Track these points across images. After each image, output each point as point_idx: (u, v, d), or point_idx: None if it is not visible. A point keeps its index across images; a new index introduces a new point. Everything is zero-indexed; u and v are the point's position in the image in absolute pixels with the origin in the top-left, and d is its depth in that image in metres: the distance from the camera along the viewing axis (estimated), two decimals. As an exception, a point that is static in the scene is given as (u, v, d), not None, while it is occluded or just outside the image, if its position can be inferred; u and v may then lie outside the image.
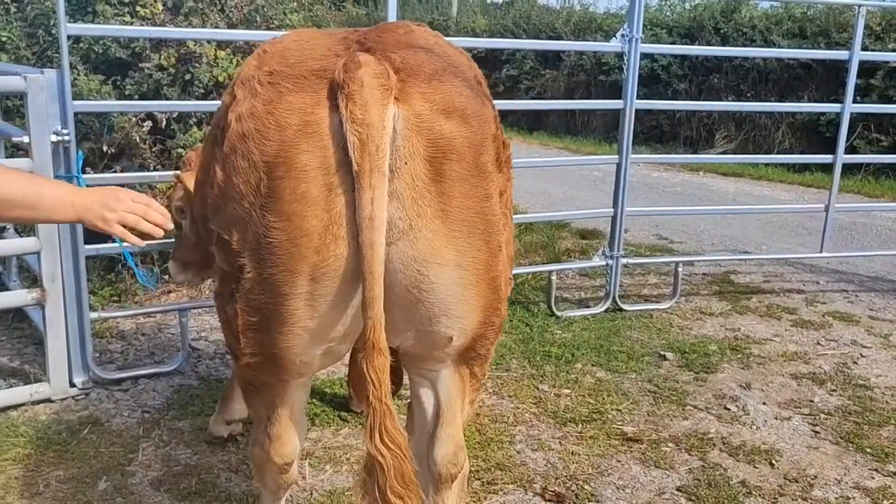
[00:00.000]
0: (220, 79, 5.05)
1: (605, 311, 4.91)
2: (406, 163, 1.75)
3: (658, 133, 13.14)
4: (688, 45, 12.15)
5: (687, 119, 12.76)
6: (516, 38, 14.83)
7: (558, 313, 4.81)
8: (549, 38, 14.29)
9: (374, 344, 1.74)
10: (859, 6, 4.97)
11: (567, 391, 3.82)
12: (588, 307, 5.01)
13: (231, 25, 5.37)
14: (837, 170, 5.29)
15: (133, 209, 1.94)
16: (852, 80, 5.07)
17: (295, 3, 6.10)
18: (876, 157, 8.68)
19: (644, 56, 12.41)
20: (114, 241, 3.79)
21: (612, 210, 4.87)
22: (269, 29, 5.50)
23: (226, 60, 5.11)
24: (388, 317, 1.80)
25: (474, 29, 16.60)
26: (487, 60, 16.33)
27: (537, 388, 3.84)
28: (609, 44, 4.66)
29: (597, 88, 13.98)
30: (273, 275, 1.80)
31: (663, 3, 14.50)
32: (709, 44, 12.21)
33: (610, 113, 12.47)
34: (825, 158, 5.68)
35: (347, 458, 3.17)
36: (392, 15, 4.12)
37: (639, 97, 4.74)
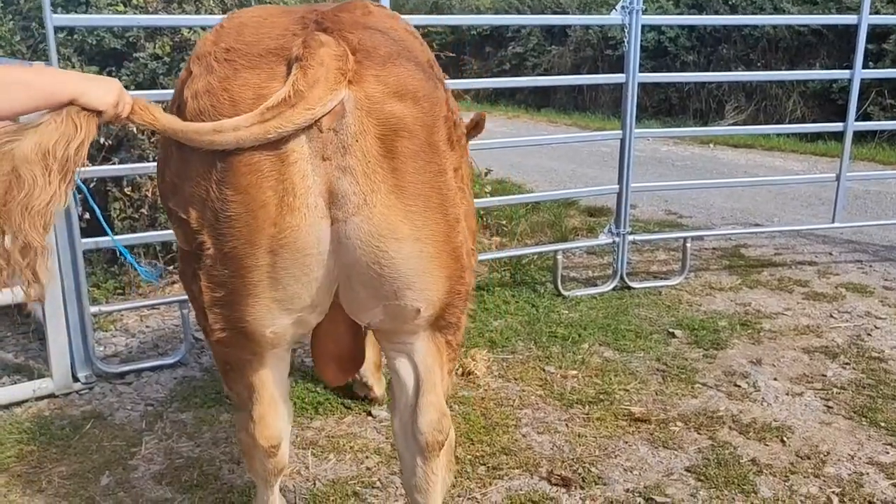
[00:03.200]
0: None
1: (613, 289, 4.84)
2: (357, 140, 1.78)
3: (667, 106, 12.98)
4: (696, 15, 11.93)
5: (696, 91, 12.58)
6: (520, 14, 14.63)
7: (565, 293, 4.75)
8: (555, 13, 14.10)
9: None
10: (868, -32, 4.84)
11: (574, 372, 3.77)
12: (596, 286, 4.94)
13: (226, 11, 5.31)
14: (848, 138, 5.17)
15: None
16: (861, 45, 4.93)
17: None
18: (888, 123, 8.49)
19: (651, 28, 12.34)
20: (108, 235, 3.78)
21: (616, 186, 4.78)
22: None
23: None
24: (355, 295, 1.92)
25: (479, 6, 16.43)
26: (493, 38, 16.22)
27: (543, 370, 3.79)
28: (609, 16, 4.55)
29: (603, 63, 13.83)
30: (234, 249, 1.81)
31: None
32: (717, 13, 11.99)
33: (618, 87, 12.34)
34: (836, 127, 5.54)
35: (351, 447, 3.14)
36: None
37: (647, 70, 4.64)
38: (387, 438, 3.19)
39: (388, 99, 1.81)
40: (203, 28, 5.00)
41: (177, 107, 1.93)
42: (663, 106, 12.96)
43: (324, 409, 3.42)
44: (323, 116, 1.74)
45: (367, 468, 3.01)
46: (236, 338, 1.98)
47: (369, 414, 3.39)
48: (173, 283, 4.87)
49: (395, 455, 3.06)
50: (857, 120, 10.03)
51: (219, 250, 1.84)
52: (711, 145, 10.43)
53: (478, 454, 3.08)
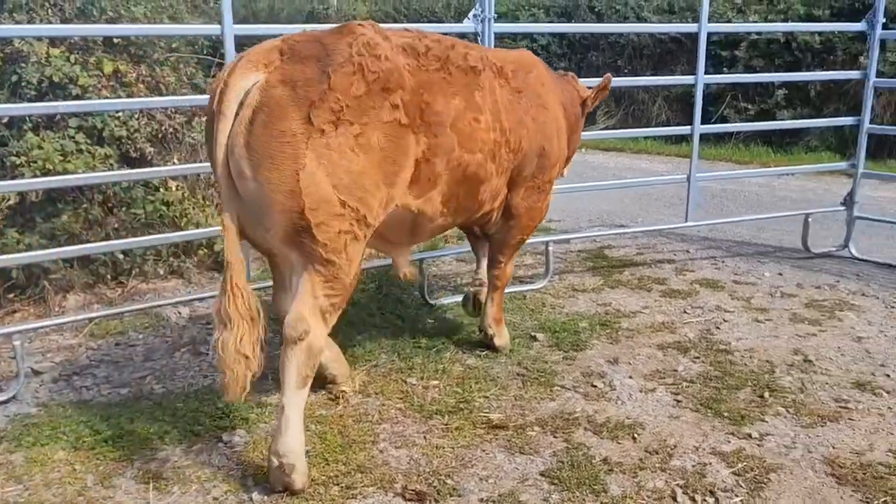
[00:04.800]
0: (56, 79, 4.70)
1: (480, 295, 4.86)
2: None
3: (542, 113, 13.26)
4: (551, 24, 12.37)
5: (568, 97, 12.93)
6: (396, 24, 14.64)
7: (432, 302, 4.73)
8: (430, 23, 14.19)
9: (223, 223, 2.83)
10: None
11: (435, 382, 3.74)
12: (464, 293, 4.94)
13: (65, 21, 5.01)
14: (696, 140, 5.42)
15: None
16: (702, 52, 5.19)
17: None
18: (731, 125, 8.99)
19: (525, 36, 12.59)
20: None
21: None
22: (109, 22, 5.17)
23: (60, 59, 4.75)
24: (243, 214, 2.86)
25: (355, 16, 16.32)
26: (371, 47, 16.09)
27: (405, 382, 3.74)
28: (462, 24, 4.57)
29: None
30: None
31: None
32: (584, 21, 12.41)
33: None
34: (684, 130, 5.79)
35: (198, 477, 2.98)
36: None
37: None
38: (237, 465, 3.06)
39: (274, 83, 2.77)
40: (38, 39, 4.70)
41: None
42: (538, 112, 13.25)
43: (170, 437, 3.24)
44: None
45: (214, 498, 2.87)
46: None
47: (220, 440, 3.24)
48: (14, 311, 4.54)
49: (245, 482, 2.94)
50: (715, 122, 10.59)
51: None
52: (584, 149, 10.74)
53: (332, 474, 2.99)
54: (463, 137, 3.26)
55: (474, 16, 4.50)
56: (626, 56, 12.50)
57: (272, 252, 3.09)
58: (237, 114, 2.74)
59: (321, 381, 3.61)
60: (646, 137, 11.03)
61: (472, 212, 3.62)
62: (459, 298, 4.82)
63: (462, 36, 4.05)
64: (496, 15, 4.53)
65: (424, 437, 3.27)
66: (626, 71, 12.34)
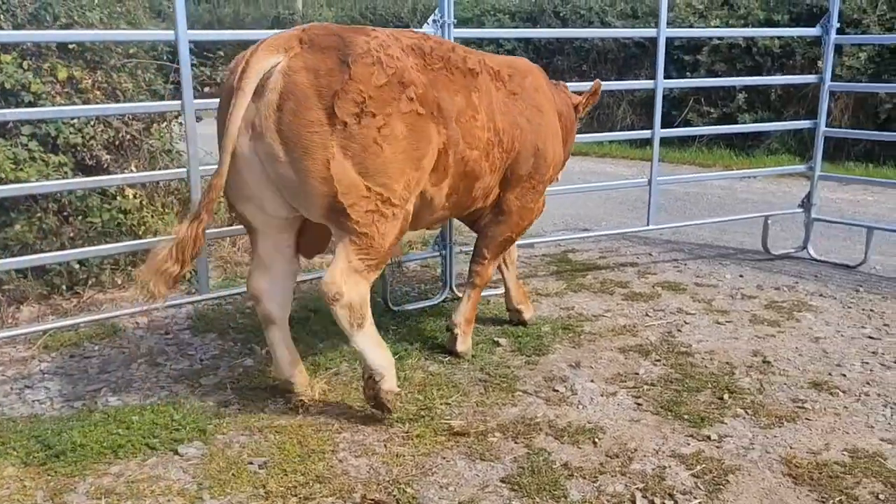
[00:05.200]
0: (7, 86, 4.59)
1: (443, 301, 4.85)
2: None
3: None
4: (509, 29, 12.44)
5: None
6: (363, 28, 14.61)
7: (394, 308, 4.70)
8: (397, 27, 14.18)
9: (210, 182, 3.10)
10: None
11: (396, 389, 3.70)
12: (428, 299, 4.93)
13: (18, 27, 4.90)
14: (656, 144, 5.46)
15: None
16: (661, 56, 5.25)
17: (96, 0, 5.64)
18: (691, 129, 9.06)
19: (491, 41, 12.62)
20: None
21: (440, 199, 4.79)
22: (64, 27, 5.07)
23: (12, 65, 4.65)
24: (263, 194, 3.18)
25: (321, 21, 16.24)
26: (337, 53, 16.04)
27: (366, 390, 3.71)
28: (422, 30, 4.55)
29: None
30: None
31: (506, -12, 14.67)
32: (549, 27, 12.48)
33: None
34: (644, 134, 5.84)
35: (152, 491, 2.92)
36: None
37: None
38: (193, 477, 3.00)
39: (298, 69, 3.01)
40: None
41: None
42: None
43: (125, 451, 3.17)
44: None
45: (168, 513, 2.81)
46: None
47: (176, 452, 3.18)
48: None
49: (200, 495, 2.88)
50: (678, 125, 10.69)
51: None
52: (549, 154, 10.78)
53: (290, 485, 2.95)
54: (465, 133, 3.46)
55: (434, 21, 4.49)
56: (591, 61, 12.60)
57: (254, 229, 3.36)
58: (261, 96, 2.95)
59: (283, 389, 3.61)
60: (610, 141, 11.11)
61: (466, 207, 3.81)
62: (423, 305, 4.80)
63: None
64: (455, 20, 4.53)
65: (385, 446, 3.24)
66: (591, 75, 12.40)
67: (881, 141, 9.84)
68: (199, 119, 5.63)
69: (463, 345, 4.08)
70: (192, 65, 5.47)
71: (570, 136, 4.38)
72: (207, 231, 4.30)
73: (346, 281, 3.13)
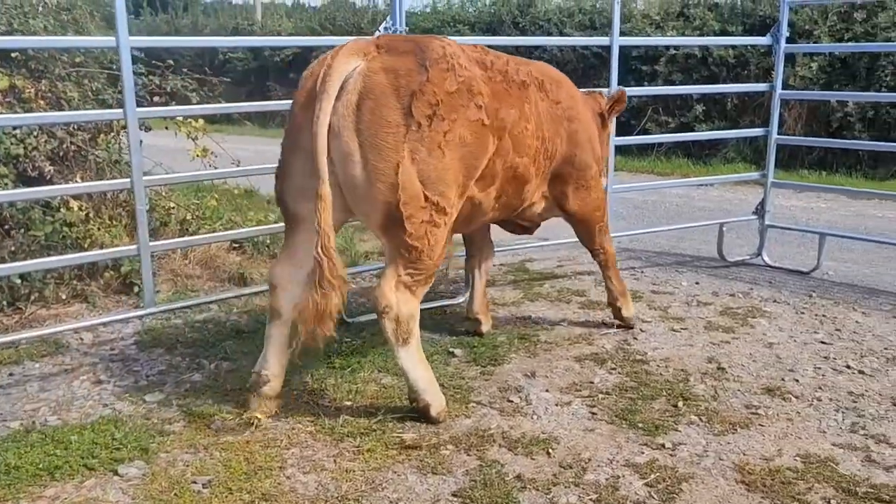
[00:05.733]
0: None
1: (399, 312, 4.77)
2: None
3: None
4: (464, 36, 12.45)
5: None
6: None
7: (349, 320, 4.62)
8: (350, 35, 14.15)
9: (318, 193, 3.07)
10: (616, -4, 5.24)
11: (348, 403, 3.63)
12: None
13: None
14: (612, 152, 5.46)
15: None
16: (615, 64, 5.28)
17: (40, 8, 5.50)
18: (647, 137, 9.15)
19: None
20: None
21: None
22: (5, 34, 4.92)
23: (-52, 75, 4.50)
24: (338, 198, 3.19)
25: (280, 32, 16.15)
26: (297, 64, 15.94)
27: (316, 405, 3.62)
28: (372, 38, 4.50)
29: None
30: None
31: (466, 0, 14.75)
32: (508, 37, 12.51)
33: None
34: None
35: (89, 514, 2.80)
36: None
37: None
38: (132, 499, 2.88)
39: (377, 71, 3.18)
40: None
41: None
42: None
43: (61, 473, 3.04)
44: None
45: (105, 536, 2.69)
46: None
47: (116, 473, 3.05)
48: None
49: (139, 517, 2.77)
50: (637, 134, 10.78)
51: None
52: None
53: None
54: (516, 142, 3.65)
55: (385, 28, 4.44)
56: (551, 71, 12.66)
57: (300, 222, 3.35)
58: (340, 97, 3.05)
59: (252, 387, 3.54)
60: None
61: (515, 208, 4.03)
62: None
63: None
64: (408, 28, 4.48)
65: (334, 461, 3.16)
66: (550, 86, 12.49)
67: (834, 149, 10.04)
68: (147, 129, 5.54)
69: (627, 311, 4.53)
70: (141, 73, 5.40)
71: (603, 139, 4.60)
72: (156, 244, 4.22)
73: (397, 295, 3.23)
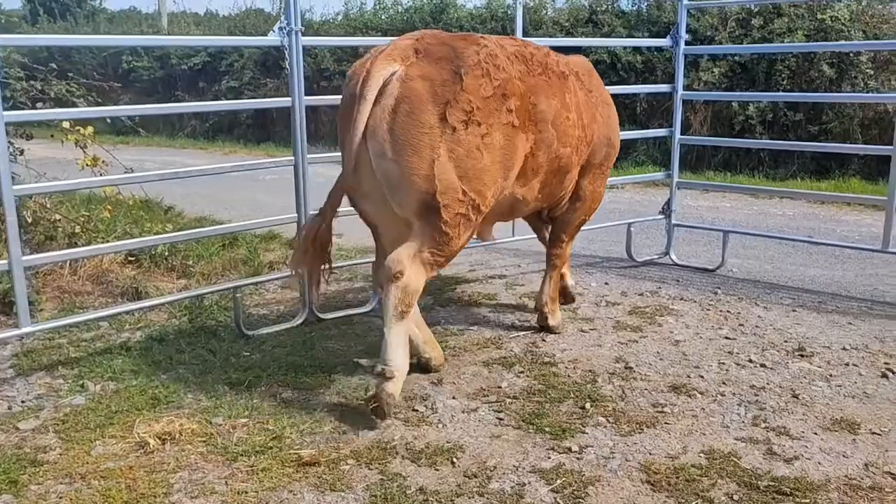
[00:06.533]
0: None
1: (303, 323, 4.59)
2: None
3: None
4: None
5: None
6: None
7: (248, 333, 4.40)
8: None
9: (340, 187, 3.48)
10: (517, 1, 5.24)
11: (244, 420, 3.42)
12: (287, 321, 4.66)
13: None
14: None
15: None
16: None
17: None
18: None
19: (338, 49, 12.44)
20: None
21: (295, 216, 4.55)
22: None
23: None
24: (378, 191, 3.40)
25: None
26: (206, 72, 15.51)
27: (209, 423, 3.40)
28: (267, 38, 4.33)
29: (321, 93, 13.76)
30: None
31: (378, 7, 14.64)
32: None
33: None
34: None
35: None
36: None
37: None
38: (-4, 538, 2.62)
39: (413, 77, 3.29)
40: None
41: None
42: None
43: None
44: None
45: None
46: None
47: None
48: None
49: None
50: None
51: None
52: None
53: (112, 537, 2.62)
54: (560, 133, 3.77)
55: (280, 28, 4.27)
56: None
57: (375, 225, 3.69)
58: (378, 101, 3.22)
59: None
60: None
61: (557, 196, 4.16)
62: (281, 327, 4.53)
63: (267, 49, 3.85)
64: (303, 28, 4.33)
65: (226, 483, 2.95)
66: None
67: (738, 151, 10.39)
68: (28, 137, 5.20)
69: (553, 319, 4.45)
70: (20, 78, 5.06)
71: None
72: (30, 258, 3.92)
73: (412, 265, 3.30)
